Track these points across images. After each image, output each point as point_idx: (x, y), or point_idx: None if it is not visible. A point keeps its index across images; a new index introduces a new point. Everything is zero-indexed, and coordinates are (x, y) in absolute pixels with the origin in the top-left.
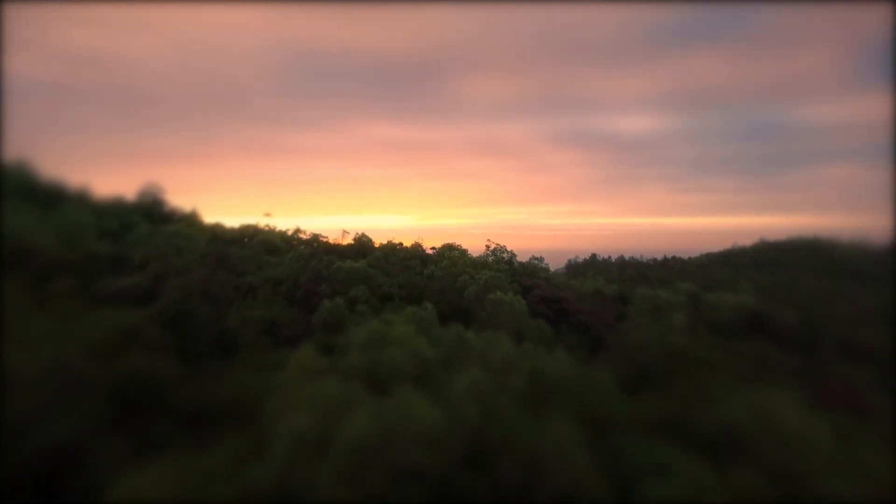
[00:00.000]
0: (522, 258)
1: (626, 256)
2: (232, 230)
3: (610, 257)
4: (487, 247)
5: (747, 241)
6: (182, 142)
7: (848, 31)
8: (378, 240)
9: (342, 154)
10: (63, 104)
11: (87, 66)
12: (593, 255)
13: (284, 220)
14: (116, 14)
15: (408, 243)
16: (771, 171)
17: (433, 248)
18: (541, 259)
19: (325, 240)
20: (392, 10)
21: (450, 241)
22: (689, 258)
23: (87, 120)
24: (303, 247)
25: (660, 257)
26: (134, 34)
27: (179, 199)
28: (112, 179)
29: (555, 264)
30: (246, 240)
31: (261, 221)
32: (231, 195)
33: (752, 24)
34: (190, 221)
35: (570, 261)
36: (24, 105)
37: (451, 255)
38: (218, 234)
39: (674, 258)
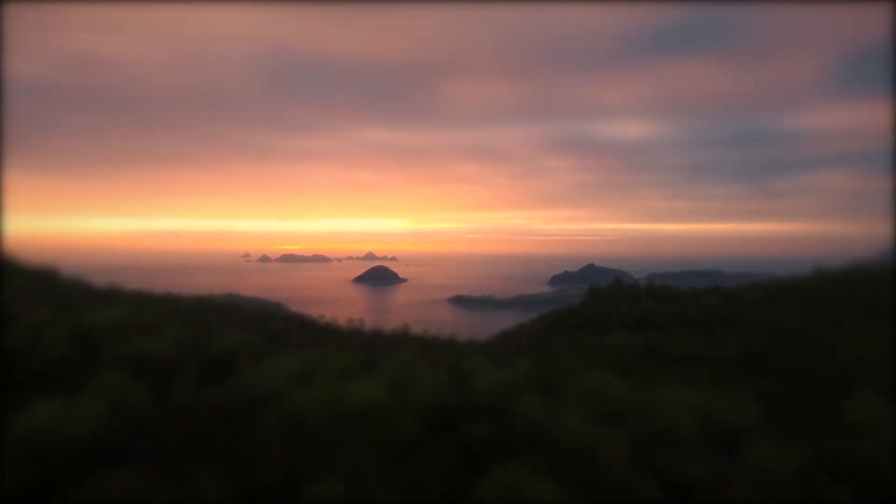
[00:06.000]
0: (521, 262)
1: (648, 273)
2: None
3: (637, 282)
4: None
5: (760, 245)
6: (178, 144)
7: (842, 38)
8: (375, 243)
9: (337, 158)
10: (61, 106)
11: (85, 69)
12: (618, 280)
13: (278, 223)
14: (115, 17)
15: (406, 248)
16: (765, 178)
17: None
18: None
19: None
20: (387, 15)
21: (447, 245)
22: (741, 288)
23: (85, 122)
24: None
25: (684, 270)
26: (132, 38)
27: (175, 201)
28: (110, 181)
29: (552, 271)
30: None
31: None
32: (228, 197)
33: (746, 32)
34: None
35: (591, 286)
36: (23, 106)
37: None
38: None
39: (718, 291)
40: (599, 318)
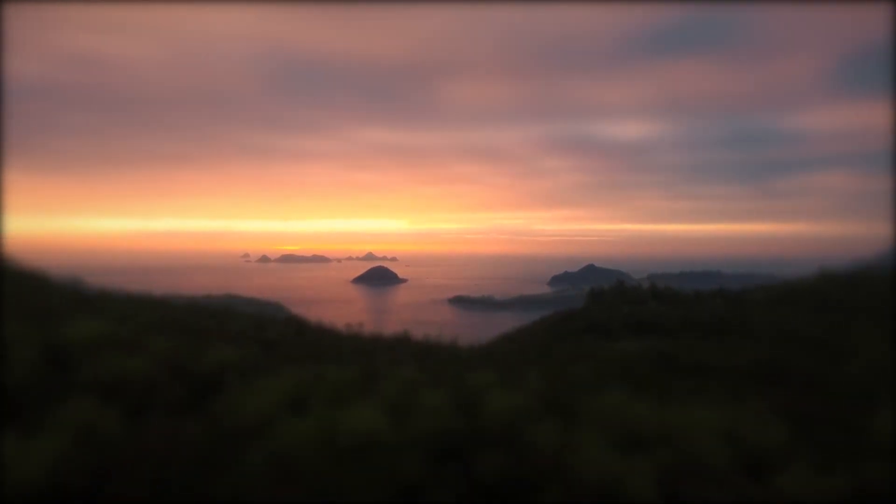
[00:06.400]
0: (521, 263)
1: (648, 274)
2: None
3: (640, 284)
4: None
5: (755, 247)
6: (178, 144)
7: (842, 38)
8: (375, 243)
9: (337, 158)
10: (61, 106)
11: (85, 69)
12: (620, 282)
13: (278, 223)
14: (115, 17)
15: (406, 248)
16: (765, 178)
17: None
18: None
19: None
20: (387, 15)
21: (447, 245)
22: (745, 291)
23: (85, 122)
24: None
25: (684, 271)
26: (132, 38)
27: (175, 201)
28: (110, 181)
29: (552, 271)
30: None
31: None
32: (228, 197)
33: (746, 32)
34: None
35: (592, 288)
36: (23, 106)
37: None
38: None
39: (722, 293)
40: (602, 322)
